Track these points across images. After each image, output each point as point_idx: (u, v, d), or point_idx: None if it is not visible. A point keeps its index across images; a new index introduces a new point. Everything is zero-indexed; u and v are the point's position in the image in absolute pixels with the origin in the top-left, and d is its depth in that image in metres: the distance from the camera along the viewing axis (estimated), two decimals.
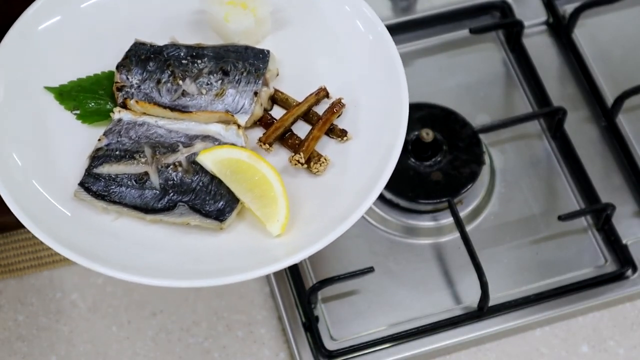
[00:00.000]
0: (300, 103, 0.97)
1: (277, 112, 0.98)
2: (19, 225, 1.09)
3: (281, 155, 0.96)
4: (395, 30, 1.32)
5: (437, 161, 1.21)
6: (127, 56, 0.98)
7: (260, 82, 0.96)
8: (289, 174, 0.94)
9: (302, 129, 0.97)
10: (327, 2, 1.00)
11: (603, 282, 1.17)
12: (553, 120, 1.26)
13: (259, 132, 0.97)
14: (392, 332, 1.13)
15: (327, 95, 0.97)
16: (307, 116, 0.97)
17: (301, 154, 0.93)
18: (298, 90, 0.98)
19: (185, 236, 0.92)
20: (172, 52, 0.98)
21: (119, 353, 1.14)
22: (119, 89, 0.97)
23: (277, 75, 0.99)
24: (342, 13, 0.99)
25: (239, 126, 0.95)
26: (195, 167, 0.92)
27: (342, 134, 0.95)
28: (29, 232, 0.89)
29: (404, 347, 1.13)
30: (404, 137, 0.92)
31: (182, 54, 0.97)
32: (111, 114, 0.96)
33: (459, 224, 1.17)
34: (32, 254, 1.18)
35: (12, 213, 0.90)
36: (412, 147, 1.21)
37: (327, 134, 0.96)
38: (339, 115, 0.96)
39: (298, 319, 1.14)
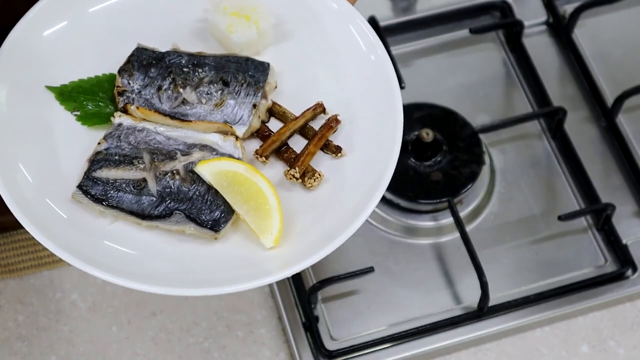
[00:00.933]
0: (297, 117, 0.97)
1: (274, 124, 0.98)
2: (19, 225, 1.09)
3: (277, 168, 0.96)
4: (395, 30, 1.33)
5: (437, 161, 1.21)
6: (129, 61, 0.98)
7: (260, 94, 0.96)
8: (284, 188, 0.94)
9: (297, 143, 0.97)
10: (329, 19, 1.00)
11: (603, 282, 1.17)
12: (553, 120, 1.26)
13: (255, 144, 0.97)
14: (392, 332, 1.13)
15: (323, 111, 0.98)
16: (303, 130, 0.97)
17: (296, 168, 0.94)
18: (295, 103, 0.98)
19: (180, 244, 0.92)
20: (173, 59, 0.98)
21: (119, 353, 1.14)
22: (120, 94, 0.97)
23: (276, 87, 0.99)
24: (344, 31, 1.00)
25: (236, 137, 0.95)
26: (192, 176, 0.93)
27: (336, 150, 0.96)
28: (29, 232, 0.90)
29: (404, 347, 1.13)
30: (397, 157, 0.93)
31: (183, 62, 0.98)
32: (112, 118, 0.96)
33: (459, 224, 1.17)
34: (32, 254, 1.18)
35: (12, 213, 0.90)
36: (412, 147, 1.21)
37: (321, 149, 0.96)
38: (334, 132, 0.97)
39: (298, 319, 1.14)
